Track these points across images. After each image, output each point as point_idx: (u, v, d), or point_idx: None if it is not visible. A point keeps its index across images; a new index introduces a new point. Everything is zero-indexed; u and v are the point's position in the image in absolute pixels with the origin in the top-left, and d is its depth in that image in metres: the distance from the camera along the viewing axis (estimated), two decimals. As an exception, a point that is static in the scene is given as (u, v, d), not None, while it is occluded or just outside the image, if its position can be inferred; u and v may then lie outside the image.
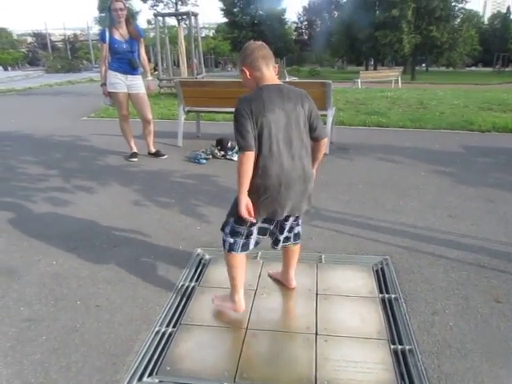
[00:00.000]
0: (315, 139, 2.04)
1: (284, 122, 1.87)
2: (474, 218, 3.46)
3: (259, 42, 1.95)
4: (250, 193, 1.90)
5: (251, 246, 2.12)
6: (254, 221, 1.96)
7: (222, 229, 2.13)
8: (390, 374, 1.82)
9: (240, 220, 1.98)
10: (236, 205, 1.92)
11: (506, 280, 2.54)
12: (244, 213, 1.89)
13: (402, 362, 1.90)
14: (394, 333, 2.09)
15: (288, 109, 1.88)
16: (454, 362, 1.89)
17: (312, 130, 1.99)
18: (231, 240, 2.08)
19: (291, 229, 2.21)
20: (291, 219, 2.16)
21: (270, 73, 1.92)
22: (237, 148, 5.28)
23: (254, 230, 2.08)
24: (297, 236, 2.27)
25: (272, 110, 1.84)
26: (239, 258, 2.12)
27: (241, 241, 2.07)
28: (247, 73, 1.91)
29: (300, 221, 2.25)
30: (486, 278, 2.57)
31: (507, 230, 3.24)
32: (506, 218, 3.45)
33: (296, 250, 2.32)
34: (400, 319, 2.18)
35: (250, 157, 1.82)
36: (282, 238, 2.21)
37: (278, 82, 1.95)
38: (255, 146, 1.83)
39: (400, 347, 1.98)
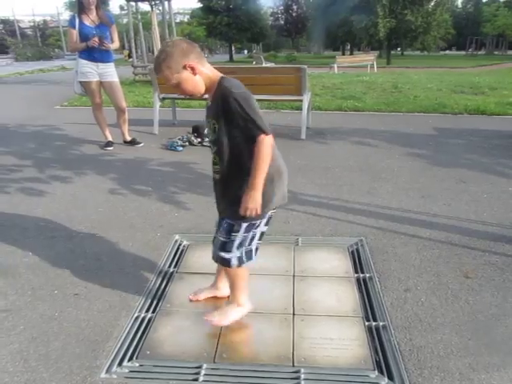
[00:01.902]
0: None
1: None
2: (445, 198, 3.56)
3: (182, 38, 1.82)
4: (266, 182, 1.72)
5: (256, 252, 1.94)
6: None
7: (224, 249, 1.86)
8: (365, 350, 1.89)
9: (251, 223, 1.80)
10: (237, 210, 1.72)
11: (476, 256, 2.64)
12: (259, 210, 1.72)
13: (376, 338, 1.97)
14: (369, 310, 2.16)
15: None
16: (425, 336, 1.97)
17: None
18: (238, 254, 1.87)
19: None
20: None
21: (211, 67, 1.77)
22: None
23: (259, 230, 1.89)
24: None
25: None
26: (247, 271, 1.98)
27: (246, 248, 1.88)
28: (196, 70, 1.67)
29: None
30: (456, 255, 2.66)
31: (477, 208, 3.35)
32: (476, 198, 3.56)
33: None
34: (374, 297, 2.25)
35: (272, 141, 1.67)
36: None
37: None
38: None
39: (374, 324, 2.05)
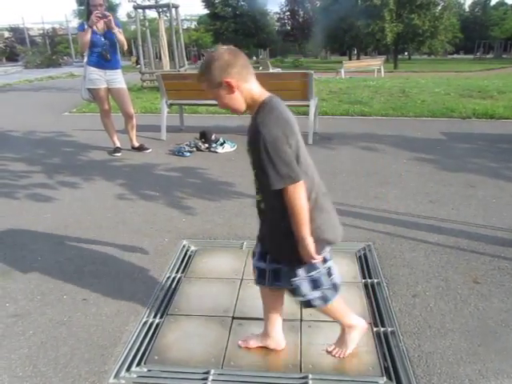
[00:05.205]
0: None
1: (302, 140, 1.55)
2: (454, 203, 3.53)
3: (230, 47, 1.52)
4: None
5: (339, 278, 1.76)
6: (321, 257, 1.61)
7: (297, 293, 1.69)
8: (373, 356, 1.88)
9: (313, 265, 1.63)
10: (296, 254, 1.56)
11: (485, 261, 2.62)
12: (315, 255, 1.55)
13: (385, 344, 1.96)
14: (377, 316, 2.15)
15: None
16: (434, 342, 1.95)
17: None
18: (317, 294, 1.69)
19: None
20: None
21: (258, 85, 1.55)
22: (221, 140, 5.30)
23: (329, 261, 1.73)
24: None
25: (296, 127, 1.52)
26: (338, 301, 1.77)
27: (328, 284, 1.70)
28: (234, 86, 1.47)
29: None
30: (465, 260, 2.64)
31: (486, 213, 3.32)
32: (484, 202, 3.54)
33: None
34: (382, 303, 2.24)
35: (303, 187, 1.46)
36: None
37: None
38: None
39: (382, 329, 2.04)
